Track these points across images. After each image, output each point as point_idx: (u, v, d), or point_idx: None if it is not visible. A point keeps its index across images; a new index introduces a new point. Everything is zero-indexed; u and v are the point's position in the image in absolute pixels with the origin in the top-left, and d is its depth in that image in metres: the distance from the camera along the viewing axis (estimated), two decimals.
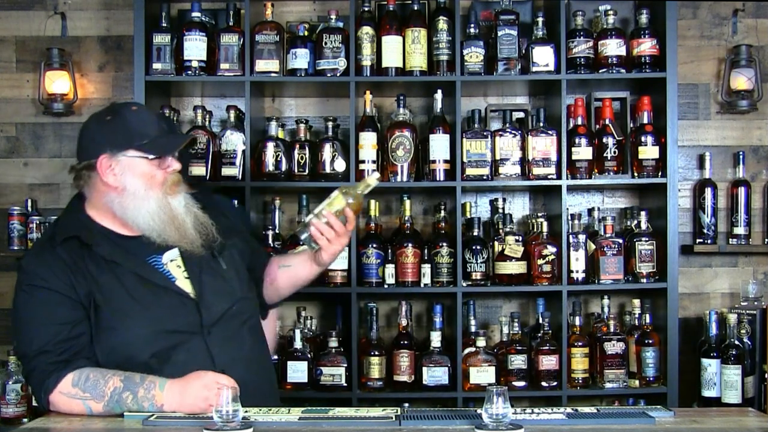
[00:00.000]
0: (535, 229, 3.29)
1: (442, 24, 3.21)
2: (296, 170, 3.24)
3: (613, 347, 3.18)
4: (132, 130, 2.01)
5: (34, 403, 3.16)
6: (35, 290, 1.95)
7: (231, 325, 2.08)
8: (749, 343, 3.14)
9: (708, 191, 3.42)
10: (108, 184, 2.00)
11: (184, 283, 2.05)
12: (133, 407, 1.87)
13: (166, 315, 2.00)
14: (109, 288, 1.96)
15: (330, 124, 3.28)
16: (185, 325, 2.00)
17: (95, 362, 1.95)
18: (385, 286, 3.23)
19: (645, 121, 3.25)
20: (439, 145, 3.21)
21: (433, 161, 3.22)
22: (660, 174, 3.22)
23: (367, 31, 3.22)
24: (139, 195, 2.00)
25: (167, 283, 2.03)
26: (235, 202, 3.12)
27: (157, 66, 3.18)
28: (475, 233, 3.25)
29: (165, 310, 2.00)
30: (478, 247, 3.22)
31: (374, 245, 3.22)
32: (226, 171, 3.23)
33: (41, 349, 1.90)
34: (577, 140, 3.23)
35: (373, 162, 3.22)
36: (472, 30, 3.25)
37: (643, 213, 3.27)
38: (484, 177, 3.22)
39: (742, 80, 3.45)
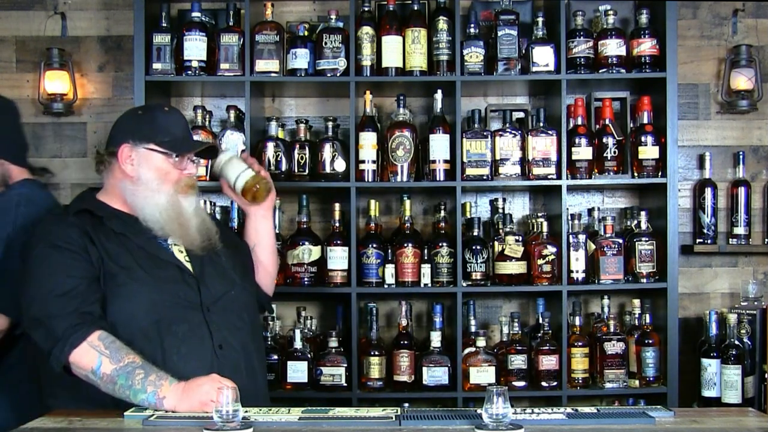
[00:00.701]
0: (535, 229, 3.29)
1: (442, 24, 3.21)
2: (296, 170, 3.24)
3: (613, 347, 3.18)
4: (157, 126, 2.15)
5: None
6: (52, 249, 2.02)
7: (230, 308, 2.17)
8: (749, 343, 3.14)
9: (708, 191, 3.42)
10: (125, 172, 2.13)
11: (186, 264, 2.16)
12: (136, 386, 1.88)
13: (170, 287, 2.09)
14: (119, 256, 2.06)
15: (330, 124, 3.28)
16: (186, 300, 2.09)
17: (111, 325, 1.99)
18: (385, 286, 3.23)
19: (645, 121, 3.25)
20: (439, 145, 3.21)
21: (433, 161, 3.22)
22: (660, 174, 3.22)
23: (367, 31, 3.22)
24: (151, 187, 2.11)
25: (171, 258, 2.14)
26: None
27: (157, 66, 3.18)
28: (475, 233, 3.25)
29: (169, 282, 2.09)
30: (478, 247, 3.22)
31: (374, 245, 3.22)
32: None
33: (60, 296, 1.95)
34: (577, 140, 3.23)
35: (373, 162, 3.22)
36: (472, 30, 3.25)
37: (643, 213, 3.27)
38: (484, 177, 3.22)
39: (742, 80, 3.45)
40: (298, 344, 3.16)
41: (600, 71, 3.24)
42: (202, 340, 2.07)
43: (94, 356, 1.90)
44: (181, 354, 2.03)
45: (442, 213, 3.32)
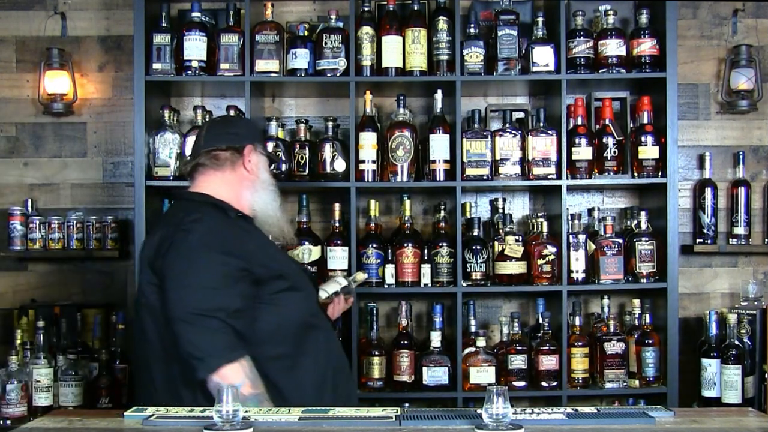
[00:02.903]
0: (535, 229, 3.29)
1: (442, 24, 3.21)
2: (296, 170, 3.24)
3: (613, 347, 3.18)
4: (263, 135, 2.46)
5: (35, 403, 3.16)
6: (218, 258, 2.06)
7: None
8: (749, 343, 3.14)
9: (708, 191, 3.43)
10: (247, 170, 2.29)
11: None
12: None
13: (309, 286, 2.30)
14: (275, 261, 2.20)
15: (330, 124, 3.28)
16: (313, 295, 2.32)
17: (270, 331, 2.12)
18: (385, 286, 3.23)
19: (645, 121, 3.25)
20: (439, 145, 3.21)
21: (433, 161, 3.22)
22: (660, 174, 3.22)
23: (367, 31, 3.22)
24: (267, 187, 2.32)
25: (294, 258, 2.42)
26: None
27: (157, 66, 3.18)
28: (475, 233, 3.25)
29: (306, 281, 2.30)
30: (478, 247, 3.22)
31: (374, 245, 3.22)
32: None
33: (220, 309, 2.00)
34: (577, 140, 3.23)
35: (373, 162, 3.22)
36: (472, 30, 3.25)
37: (643, 213, 3.27)
38: (484, 177, 3.22)
39: (742, 80, 3.45)
40: None
41: (600, 71, 3.24)
42: (332, 332, 2.30)
43: (241, 376, 1.97)
44: (328, 347, 2.23)
45: (442, 213, 3.32)
